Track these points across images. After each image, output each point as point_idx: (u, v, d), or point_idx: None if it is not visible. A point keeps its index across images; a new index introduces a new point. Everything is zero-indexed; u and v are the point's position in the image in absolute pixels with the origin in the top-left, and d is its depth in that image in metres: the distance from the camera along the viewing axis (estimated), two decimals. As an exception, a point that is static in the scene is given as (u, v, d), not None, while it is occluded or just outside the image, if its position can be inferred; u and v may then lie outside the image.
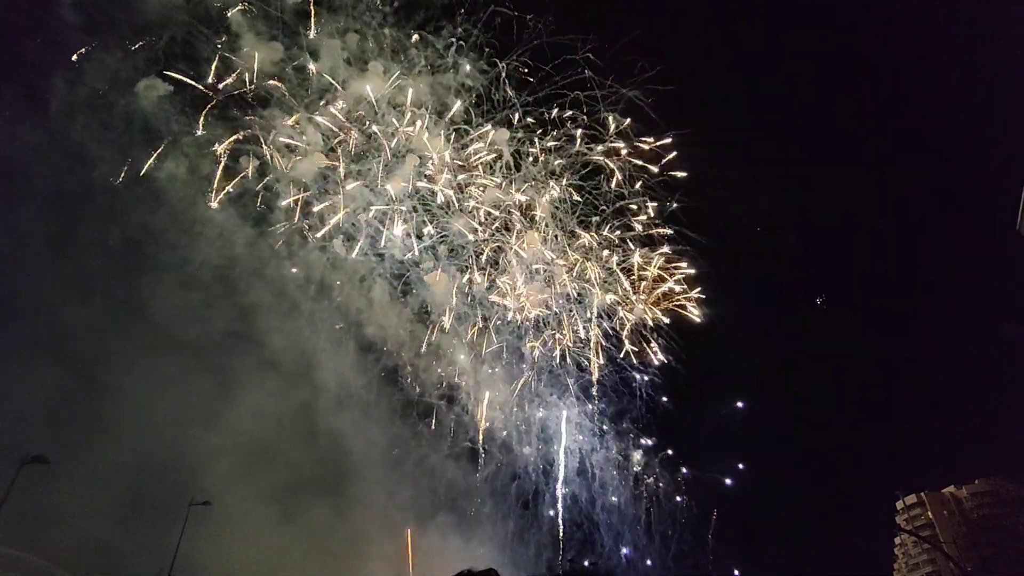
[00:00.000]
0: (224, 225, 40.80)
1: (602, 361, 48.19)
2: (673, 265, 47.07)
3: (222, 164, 39.71)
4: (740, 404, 54.68)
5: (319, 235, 42.80)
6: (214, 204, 39.81)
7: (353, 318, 45.20)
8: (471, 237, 45.08)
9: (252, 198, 41.11)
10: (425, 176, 43.60)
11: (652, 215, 45.86)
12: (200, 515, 34.83)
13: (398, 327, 46.09)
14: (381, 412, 46.65)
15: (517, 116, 43.33)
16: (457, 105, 42.31)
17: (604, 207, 45.84)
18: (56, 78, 35.26)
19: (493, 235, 45.74)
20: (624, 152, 44.71)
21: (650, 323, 47.67)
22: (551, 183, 45.45)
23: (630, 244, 47.05)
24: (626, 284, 47.33)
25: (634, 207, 45.71)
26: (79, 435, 35.60)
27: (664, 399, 49.24)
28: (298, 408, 44.06)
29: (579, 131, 43.90)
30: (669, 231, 46.32)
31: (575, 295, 47.32)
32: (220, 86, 38.55)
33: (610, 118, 43.17)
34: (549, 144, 44.36)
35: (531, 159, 44.65)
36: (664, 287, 47.50)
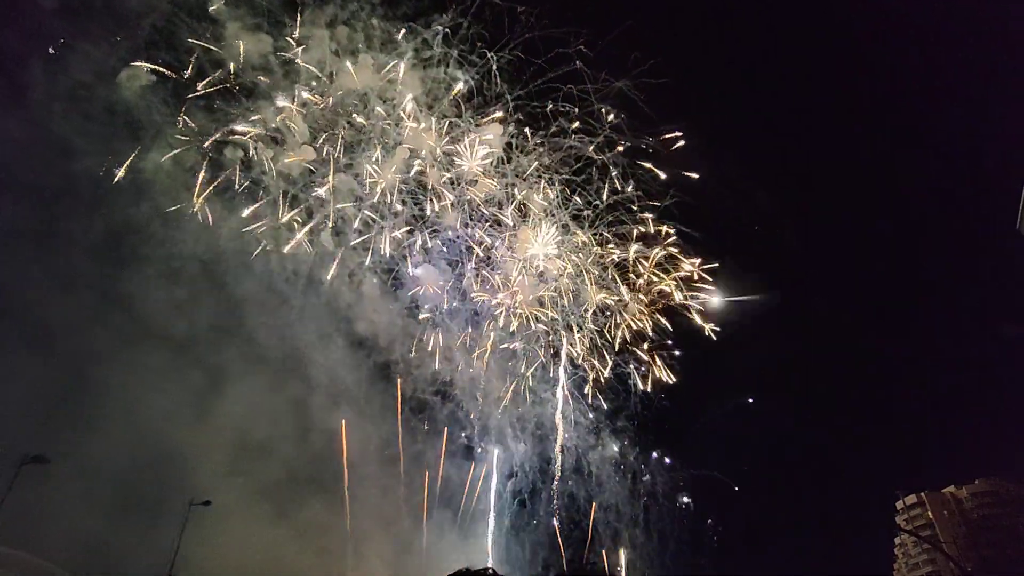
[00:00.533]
0: (210, 218, 40.14)
1: (599, 364, 47.67)
2: (671, 263, 46.42)
3: (204, 166, 39.21)
4: (740, 403, 54.30)
5: (307, 228, 42.20)
6: (197, 205, 39.12)
7: (343, 313, 44.62)
8: (462, 232, 44.53)
9: (238, 191, 40.50)
10: (416, 170, 43.02)
11: (648, 213, 45.20)
12: (193, 513, 34.56)
13: (390, 322, 45.57)
14: (374, 409, 46.09)
15: (509, 110, 42.74)
16: (450, 96, 41.69)
17: (598, 202, 45.24)
18: (35, 68, 34.62)
19: (485, 230, 45.28)
20: (620, 148, 44.05)
21: (649, 331, 46.94)
22: (544, 179, 44.91)
23: (627, 241, 46.48)
24: (623, 290, 46.74)
25: (630, 203, 45.08)
26: (71, 433, 34.97)
27: (662, 396, 48.65)
28: (289, 405, 43.47)
29: (572, 125, 43.27)
30: (669, 229, 45.77)
31: (570, 292, 46.74)
32: (205, 78, 37.89)
33: (602, 110, 42.45)
34: (542, 139, 43.82)
35: (523, 153, 44.08)
36: (663, 284, 46.85)
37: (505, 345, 47.04)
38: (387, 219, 43.06)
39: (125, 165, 37.26)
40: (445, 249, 45.67)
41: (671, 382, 47.54)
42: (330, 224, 42.22)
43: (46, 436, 32.56)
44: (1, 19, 32.60)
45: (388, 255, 44.00)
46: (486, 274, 45.86)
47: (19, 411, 33.30)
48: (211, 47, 37.87)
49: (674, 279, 46.25)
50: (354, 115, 41.27)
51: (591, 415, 49.15)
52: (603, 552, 48.78)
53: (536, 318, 46.81)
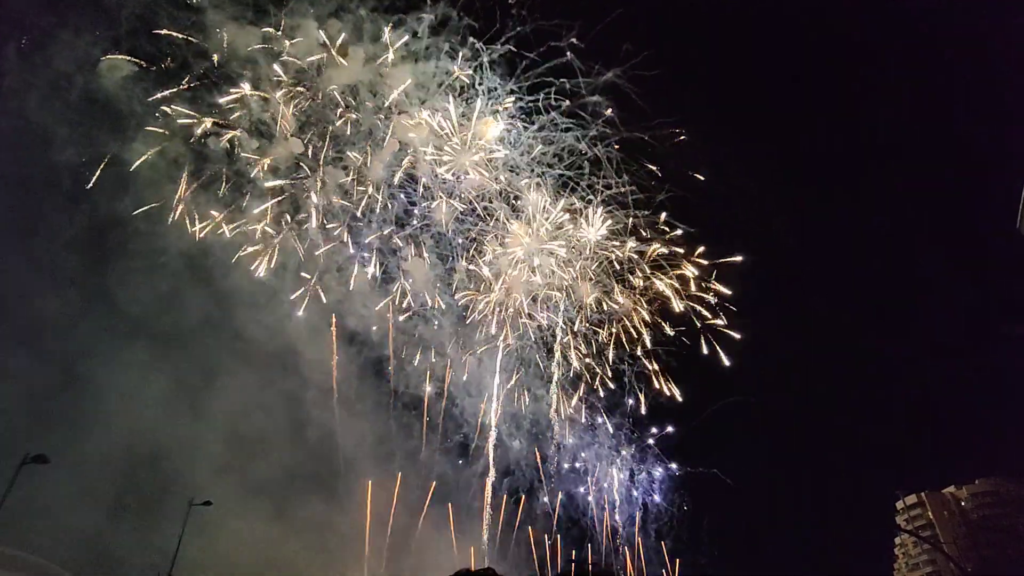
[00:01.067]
0: (196, 212, 39.46)
1: (595, 362, 47.01)
2: (667, 261, 45.72)
3: (187, 171, 38.46)
4: (739, 403, 53.69)
5: (295, 220, 41.64)
6: (181, 199, 38.19)
7: (333, 307, 43.95)
8: (453, 226, 43.86)
9: (223, 183, 39.74)
10: (407, 161, 42.35)
11: (643, 210, 44.49)
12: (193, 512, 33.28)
13: (380, 317, 44.89)
14: (367, 405, 45.66)
15: (501, 103, 41.89)
16: (440, 89, 40.91)
17: (591, 197, 44.51)
18: (10, 57, 33.82)
19: (477, 223, 44.56)
20: (614, 143, 43.34)
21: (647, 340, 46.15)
22: (536, 172, 44.17)
23: (622, 237, 45.78)
24: (618, 293, 45.99)
25: (623, 198, 44.34)
26: (65, 431, 34.53)
27: (662, 393, 48.00)
28: (279, 403, 43.14)
29: (564, 118, 42.50)
30: (664, 227, 45.06)
31: (564, 288, 46.05)
32: (188, 69, 37.07)
33: (595, 103, 41.63)
34: (535, 132, 43.02)
35: (515, 147, 43.33)
36: (662, 286, 46.16)
37: (500, 342, 46.55)
38: (375, 212, 42.50)
39: (103, 163, 36.53)
40: (435, 243, 45.11)
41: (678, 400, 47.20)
42: (316, 218, 41.60)
43: (35, 434, 31.44)
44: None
45: (376, 248, 43.44)
46: (476, 269, 45.29)
47: (8, 408, 33.03)
48: (193, 38, 37.17)
49: (671, 283, 45.66)
50: (344, 108, 40.65)
51: (586, 413, 48.80)
52: (602, 551, 48.42)
53: (530, 315, 46.32)
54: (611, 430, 49.71)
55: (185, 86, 37.40)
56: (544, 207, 44.34)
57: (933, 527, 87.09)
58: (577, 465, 49.47)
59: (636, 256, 45.89)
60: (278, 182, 40.53)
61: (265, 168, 39.66)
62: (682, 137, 42.60)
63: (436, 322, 46.16)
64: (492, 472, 47.02)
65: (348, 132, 41.10)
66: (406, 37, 39.44)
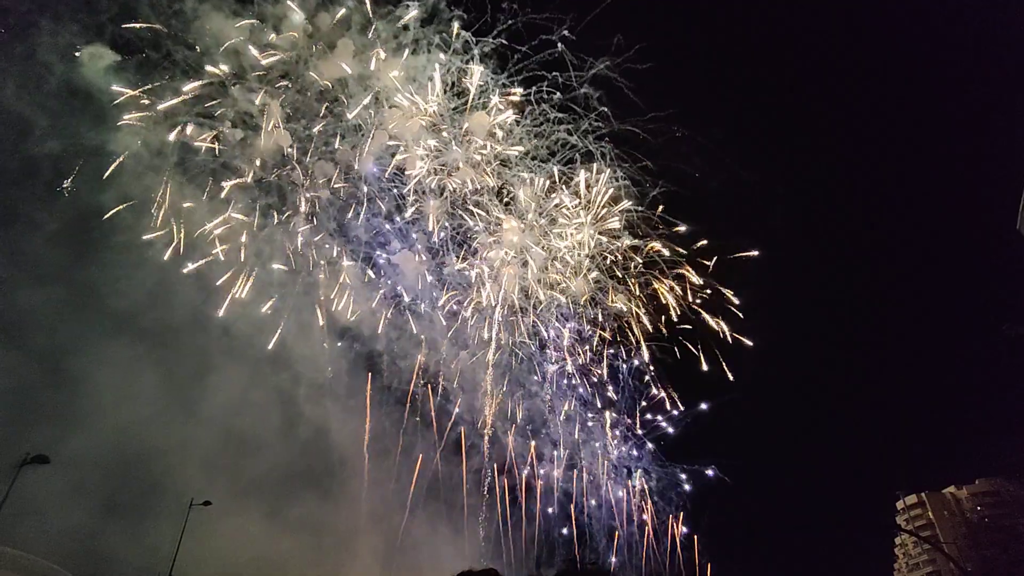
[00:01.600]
0: (181, 204, 39.13)
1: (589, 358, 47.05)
2: (662, 258, 45.67)
3: (170, 163, 38.07)
4: (740, 403, 53.79)
5: (283, 216, 41.39)
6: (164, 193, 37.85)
7: (323, 302, 43.59)
8: (444, 220, 43.70)
9: (209, 175, 39.46)
10: (397, 156, 42.02)
11: (637, 206, 44.37)
12: (183, 510, 33.73)
13: (370, 311, 44.55)
14: (358, 402, 45.16)
15: (492, 96, 41.53)
16: (432, 82, 40.58)
17: (585, 191, 44.07)
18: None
19: (468, 218, 44.25)
20: (606, 137, 43.19)
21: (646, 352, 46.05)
22: (528, 167, 43.89)
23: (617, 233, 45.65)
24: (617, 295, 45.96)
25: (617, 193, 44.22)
26: (53, 429, 33.89)
27: (661, 392, 48.06)
28: (271, 399, 42.76)
29: (557, 112, 42.25)
30: (659, 224, 44.96)
31: (557, 284, 46.00)
32: (172, 59, 36.66)
33: (583, 91, 41.39)
34: (527, 126, 42.64)
35: (508, 142, 42.92)
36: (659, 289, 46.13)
37: (494, 335, 46.32)
38: (363, 205, 42.18)
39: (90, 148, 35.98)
40: (426, 235, 44.75)
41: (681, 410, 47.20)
42: (303, 211, 41.31)
43: (29, 432, 31.50)
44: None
45: (364, 241, 43.28)
46: (468, 261, 45.04)
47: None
48: (174, 30, 36.61)
49: (668, 283, 45.70)
50: (332, 100, 40.29)
51: (583, 409, 48.75)
52: (600, 550, 48.44)
53: (523, 309, 46.04)
54: (609, 428, 49.77)
55: (168, 78, 36.93)
56: (537, 201, 44.13)
57: (933, 527, 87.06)
58: (574, 463, 49.53)
59: (631, 252, 45.77)
60: (264, 174, 40.18)
61: (249, 160, 39.25)
62: (676, 132, 42.14)
63: (428, 317, 45.88)
64: (488, 470, 47.09)
65: (336, 125, 40.74)
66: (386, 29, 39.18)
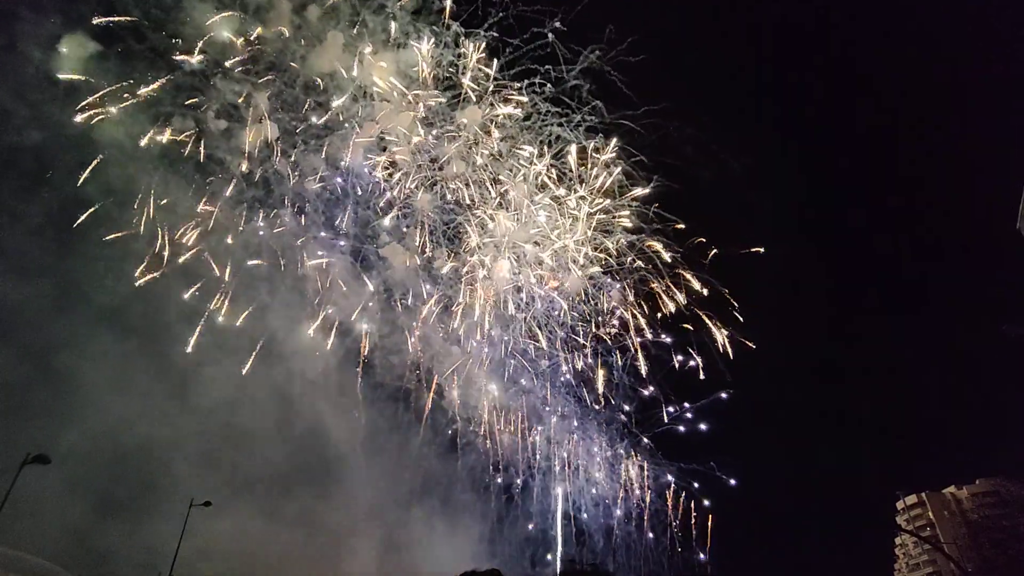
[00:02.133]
0: (166, 199, 38.69)
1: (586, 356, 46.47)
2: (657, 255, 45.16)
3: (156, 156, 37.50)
4: (741, 403, 53.20)
5: (270, 211, 40.95)
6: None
7: (312, 297, 43.22)
8: (434, 215, 43.15)
9: (194, 167, 39.00)
10: (387, 149, 41.58)
11: (633, 202, 43.86)
12: (182, 509, 33.09)
13: (361, 305, 44.03)
14: (350, 399, 44.64)
15: (484, 90, 41.20)
16: (423, 74, 40.14)
17: (576, 186, 43.71)
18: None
19: (461, 211, 43.80)
20: (597, 131, 42.68)
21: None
22: (520, 161, 43.35)
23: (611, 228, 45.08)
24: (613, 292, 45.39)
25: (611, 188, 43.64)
26: (45, 427, 33.92)
27: (662, 394, 47.50)
28: (264, 396, 42.19)
29: (550, 105, 41.80)
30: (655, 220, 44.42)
31: (552, 279, 45.43)
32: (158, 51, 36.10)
33: (574, 82, 40.92)
34: (520, 121, 42.25)
35: (500, 136, 42.52)
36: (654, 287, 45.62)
37: (485, 328, 45.67)
38: (351, 198, 41.65)
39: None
40: (417, 231, 44.24)
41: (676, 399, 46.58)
42: (289, 205, 40.84)
43: (21, 432, 31.29)
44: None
45: (353, 235, 42.78)
46: (459, 255, 44.53)
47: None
48: (158, 19, 36.01)
49: (665, 284, 45.15)
50: (320, 92, 39.75)
51: (581, 408, 48.27)
52: (597, 550, 47.95)
53: (516, 305, 45.55)
54: (607, 426, 49.41)
55: (149, 74, 36.41)
56: (530, 194, 43.61)
57: (933, 527, 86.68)
58: (572, 462, 49.11)
59: (627, 247, 45.33)
60: (251, 166, 39.56)
61: (235, 152, 38.76)
62: (669, 126, 41.95)
63: (421, 312, 45.30)
64: (483, 467, 46.75)
65: (324, 117, 40.24)
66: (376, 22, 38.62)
